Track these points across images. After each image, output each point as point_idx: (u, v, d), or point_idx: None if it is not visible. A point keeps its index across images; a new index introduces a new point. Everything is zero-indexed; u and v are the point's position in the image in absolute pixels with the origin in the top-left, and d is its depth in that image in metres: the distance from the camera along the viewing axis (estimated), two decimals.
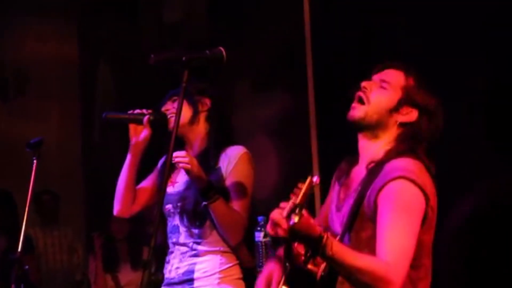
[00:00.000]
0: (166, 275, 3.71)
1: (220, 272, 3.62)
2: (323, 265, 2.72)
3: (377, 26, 4.70)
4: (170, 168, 3.61)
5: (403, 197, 2.68)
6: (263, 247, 3.41)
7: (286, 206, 2.47)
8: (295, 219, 2.44)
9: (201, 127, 3.71)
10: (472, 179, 4.15)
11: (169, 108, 3.67)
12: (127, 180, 3.70)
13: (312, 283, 2.75)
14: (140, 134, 3.64)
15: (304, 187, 2.50)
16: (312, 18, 5.28)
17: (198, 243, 3.64)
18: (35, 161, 3.75)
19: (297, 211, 2.45)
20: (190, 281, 3.62)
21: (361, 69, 2.92)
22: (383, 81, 2.85)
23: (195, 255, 3.64)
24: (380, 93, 2.83)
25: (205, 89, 3.71)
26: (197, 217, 3.61)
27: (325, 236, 2.55)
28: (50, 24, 8.16)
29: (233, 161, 3.61)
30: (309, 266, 2.72)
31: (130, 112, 3.67)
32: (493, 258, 4.04)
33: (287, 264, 2.80)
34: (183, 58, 2.92)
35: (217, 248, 3.63)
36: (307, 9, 5.31)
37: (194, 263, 3.63)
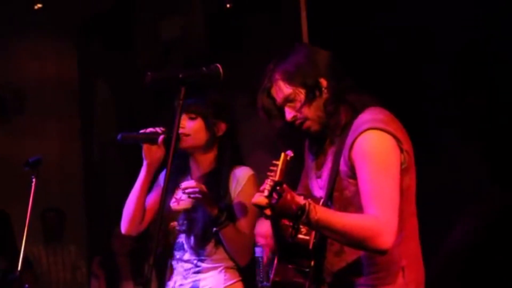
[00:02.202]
0: None
1: None
2: (313, 233, 2.73)
3: (375, 38, 4.72)
4: (173, 185, 3.62)
5: (376, 148, 2.69)
6: (264, 263, 3.41)
7: (265, 187, 2.48)
8: (277, 196, 2.46)
9: (212, 150, 3.71)
10: (466, 201, 4.16)
11: (184, 125, 3.62)
12: (138, 200, 3.67)
13: (306, 253, 2.76)
14: (154, 154, 3.61)
15: (279, 163, 2.50)
16: (310, 35, 5.29)
17: (203, 261, 3.64)
18: (34, 179, 3.74)
19: (277, 188, 2.46)
20: None
21: (359, 82, 2.92)
22: (286, 99, 2.83)
23: (199, 272, 3.64)
24: (295, 106, 2.82)
25: (222, 113, 3.69)
26: (204, 239, 3.62)
27: (307, 204, 2.56)
28: (48, 44, 8.18)
29: (241, 182, 3.62)
30: (300, 236, 2.73)
31: (142, 131, 3.63)
32: (488, 280, 4.04)
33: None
34: (180, 75, 2.91)
35: (221, 265, 3.64)
36: (305, 25, 5.32)
37: (198, 280, 3.63)
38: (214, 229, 3.55)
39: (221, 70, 2.97)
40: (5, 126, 7.98)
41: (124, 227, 3.73)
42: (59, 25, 8.05)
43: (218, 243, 3.61)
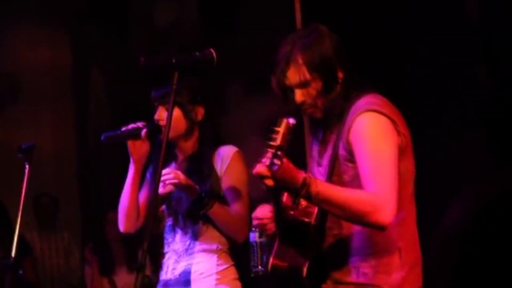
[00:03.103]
0: (162, 277, 3.72)
1: (217, 273, 3.63)
2: (314, 215, 2.75)
3: (369, 26, 4.71)
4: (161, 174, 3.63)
5: (373, 128, 2.72)
6: (258, 247, 3.42)
7: (266, 155, 2.48)
8: (278, 162, 2.44)
9: (194, 134, 3.72)
10: (464, 181, 4.16)
11: (163, 117, 3.62)
12: (132, 196, 3.69)
13: (307, 235, 2.77)
14: (139, 149, 3.63)
15: (281, 129, 2.49)
16: (303, 19, 5.28)
17: (194, 241, 3.65)
18: (27, 166, 3.73)
19: (279, 153, 2.44)
20: (187, 282, 3.63)
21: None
22: (301, 84, 2.83)
23: (191, 254, 3.64)
24: (308, 92, 2.83)
25: (198, 98, 3.70)
26: (192, 216, 3.62)
27: (308, 177, 2.59)
28: (42, 32, 8.15)
29: (226, 160, 3.63)
30: (301, 217, 2.75)
31: (124, 128, 3.64)
32: (485, 262, 4.05)
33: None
34: (173, 60, 2.91)
35: (214, 247, 3.64)
36: (299, 9, 5.31)
37: (190, 264, 3.64)
38: (201, 212, 3.56)
39: (214, 55, 2.97)
40: None
41: (121, 225, 3.74)
42: (53, 12, 8.01)
43: (207, 222, 3.61)
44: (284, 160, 2.50)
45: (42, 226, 7.24)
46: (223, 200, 3.61)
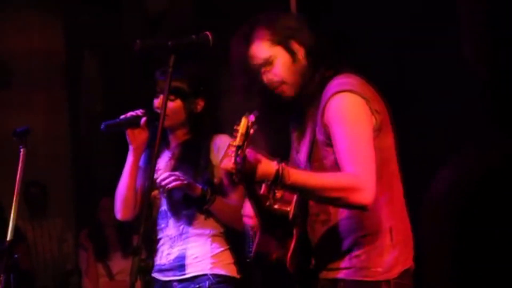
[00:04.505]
0: (157, 262, 3.72)
1: (212, 257, 3.63)
2: (293, 203, 2.75)
3: (365, 17, 4.71)
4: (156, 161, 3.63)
5: (345, 108, 2.72)
6: (252, 234, 3.41)
7: (231, 152, 2.49)
8: (240, 161, 2.46)
9: (192, 124, 3.72)
10: (459, 143, 4.16)
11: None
12: (131, 184, 3.69)
13: (287, 224, 2.77)
14: (138, 137, 3.64)
15: (240, 127, 2.50)
16: (298, 4, 5.27)
17: (188, 226, 3.65)
18: (22, 149, 3.72)
19: (239, 152, 2.46)
20: (182, 266, 3.63)
21: (349, 56, 2.93)
22: (264, 62, 2.83)
23: (185, 239, 3.65)
24: (270, 70, 2.83)
25: (200, 90, 3.70)
26: (184, 202, 3.63)
27: (280, 167, 2.57)
28: (35, 15, 8.12)
29: (222, 150, 3.62)
30: (279, 207, 2.75)
31: (123, 116, 3.64)
32: (480, 222, 4.05)
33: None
34: (169, 43, 2.90)
35: (207, 231, 3.65)
36: None
37: (185, 249, 3.64)
38: (204, 207, 3.58)
39: (210, 38, 2.95)
40: None
41: (119, 213, 3.75)
42: None
43: (208, 215, 3.63)
44: (249, 153, 2.50)
45: (33, 214, 7.23)
46: (221, 190, 3.62)
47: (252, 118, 2.52)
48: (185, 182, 3.51)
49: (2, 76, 7.94)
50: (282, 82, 2.83)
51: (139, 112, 3.64)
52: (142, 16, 7.35)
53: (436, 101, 4.18)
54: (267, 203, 2.75)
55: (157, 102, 3.65)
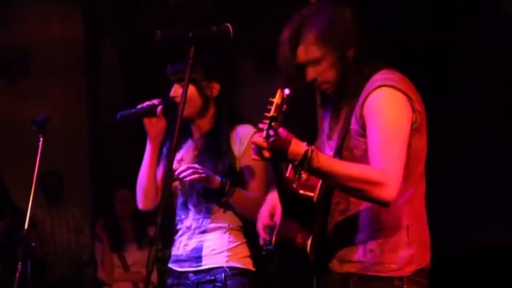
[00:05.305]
0: (174, 252, 3.72)
1: (228, 250, 3.62)
2: (317, 189, 2.72)
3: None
4: (176, 150, 3.62)
5: (387, 104, 2.70)
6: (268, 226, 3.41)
7: (263, 127, 2.47)
8: (273, 133, 2.44)
9: (210, 111, 3.70)
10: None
11: (179, 94, 3.60)
12: (151, 173, 3.68)
13: (310, 208, 2.75)
14: (156, 126, 3.62)
15: (276, 99, 2.47)
16: None
17: (207, 219, 3.64)
18: (41, 138, 3.73)
19: (273, 124, 2.44)
20: (198, 258, 3.62)
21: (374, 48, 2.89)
22: (311, 61, 2.80)
23: (203, 232, 3.64)
24: (316, 69, 2.80)
25: (213, 74, 3.68)
26: (206, 195, 3.62)
27: (310, 149, 2.56)
28: (54, 5, 8.14)
29: (244, 142, 3.60)
30: (303, 192, 2.73)
31: (140, 106, 3.64)
32: None
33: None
34: (190, 34, 2.89)
35: (226, 225, 3.64)
36: None
37: (202, 241, 3.64)
38: (223, 199, 3.57)
39: (231, 29, 2.94)
40: (10, 88, 7.96)
41: (140, 203, 3.74)
42: None
43: (227, 207, 3.62)
44: (280, 131, 2.49)
45: (51, 203, 7.26)
46: (242, 181, 3.60)
47: (287, 91, 2.50)
48: (203, 175, 3.50)
49: (22, 65, 7.97)
50: (326, 82, 2.82)
51: (155, 101, 3.62)
52: (162, 4, 7.36)
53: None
54: (292, 187, 2.73)
55: (172, 91, 3.64)
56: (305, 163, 2.56)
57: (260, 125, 2.50)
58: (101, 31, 8.20)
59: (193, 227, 3.66)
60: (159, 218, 2.75)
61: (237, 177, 3.61)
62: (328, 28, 2.77)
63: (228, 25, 2.96)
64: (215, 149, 3.63)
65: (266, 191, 3.50)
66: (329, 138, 2.89)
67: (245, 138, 3.61)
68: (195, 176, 3.48)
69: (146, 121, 3.63)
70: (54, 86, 8.06)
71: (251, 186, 3.60)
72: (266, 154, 2.53)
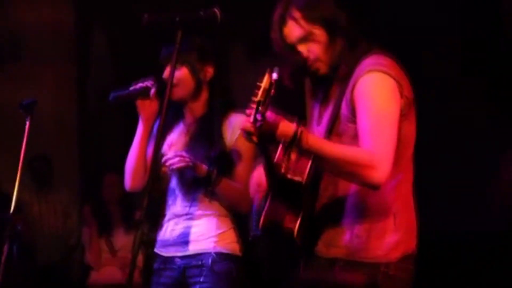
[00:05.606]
0: (160, 237, 3.71)
1: (215, 236, 3.62)
2: (306, 174, 2.72)
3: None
4: (165, 132, 3.61)
5: (377, 88, 2.70)
6: (256, 212, 3.41)
7: (250, 112, 2.47)
8: (260, 118, 2.44)
9: (203, 95, 3.69)
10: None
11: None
12: (141, 155, 3.68)
13: (298, 193, 2.75)
14: (148, 108, 3.62)
15: (263, 84, 2.48)
16: None
17: (195, 206, 3.64)
18: (28, 122, 3.72)
19: (260, 108, 2.44)
20: (185, 243, 3.63)
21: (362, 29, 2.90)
22: (301, 39, 2.79)
23: (191, 218, 3.64)
24: (305, 47, 2.79)
25: (207, 57, 3.67)
26: (193, 183, 3.61)
27: (299, 130, 2.57)
28: None
29: (236, 131, 3.58)
30: (291, 177, 2.73)
31: (133, 87, 3.62)
32: None
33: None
34: (177, 18, 2.88)
35: (213, 212, 3.63)
36: None
37: (190, 226, 3.64)
38: (209, 188, 3.56)
39: (218, 14, 2.94)
40: (0, 73, 7.93)
41: (128, 183, 3.73)
42: None
43: (212, 195, 3.62)
44: (268, 114, 2.49)
45: (39, 187, 7.25)
46: (231, 168, 3.60)
47: (275, 76, 2.50)
48: (190, 163, 3.49)
49: (11, 50, 7.93)
50: (318, 60, 2.81)
51: (148, 83, 3.62)
52: None
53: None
54: (281, 171, 2.73)
55: (165, 74, 3.63)
56: (294, 143, 2.57)
57: (248, 111, 2.50)
58: (92, 16, 8.17)
59: (180, 213, 3.66)
60: (145, 200, 2.75)
61: (226, 166, 3.61)
62: (310, 4, 2.78)
63: (216, 9, 2.96)
64: (206, 136, 3.62)
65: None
66: (318, 124, 2.89)
67: (237, 127, 3.58)
68: (182, 164, 3.48)
69: (139, 103, 3.62)
70: (44, 70, 8.02)
71: (239, 176, 3.59)
72: (254, 138, 2.53)
